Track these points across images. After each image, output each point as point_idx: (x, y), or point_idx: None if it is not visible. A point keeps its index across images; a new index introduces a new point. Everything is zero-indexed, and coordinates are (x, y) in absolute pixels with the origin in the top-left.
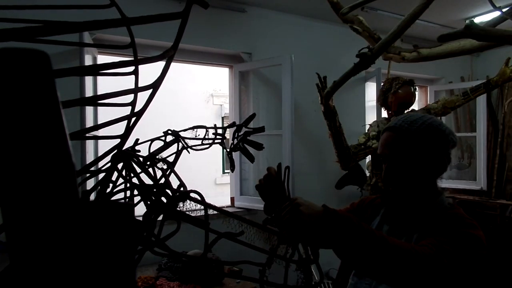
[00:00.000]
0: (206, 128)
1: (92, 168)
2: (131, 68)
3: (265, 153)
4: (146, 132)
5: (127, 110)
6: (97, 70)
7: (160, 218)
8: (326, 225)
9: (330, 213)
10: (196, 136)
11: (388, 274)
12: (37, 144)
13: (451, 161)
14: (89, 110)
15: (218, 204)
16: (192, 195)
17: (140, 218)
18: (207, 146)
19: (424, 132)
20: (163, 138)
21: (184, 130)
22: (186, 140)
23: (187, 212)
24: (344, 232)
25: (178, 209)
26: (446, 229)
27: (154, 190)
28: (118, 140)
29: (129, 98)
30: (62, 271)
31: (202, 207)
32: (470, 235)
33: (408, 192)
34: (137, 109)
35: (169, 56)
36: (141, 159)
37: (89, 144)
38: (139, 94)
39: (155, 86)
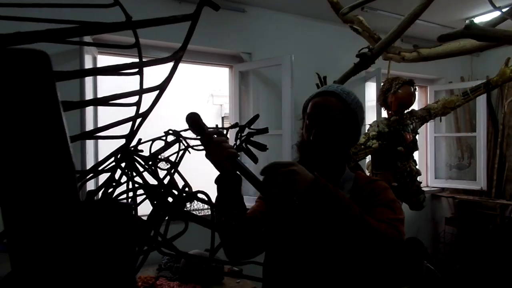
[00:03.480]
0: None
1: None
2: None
3: (265, 153)
4: (146, 132)
5: (131, 111)
6: (102, 72)
7: (166, 218)
8: (316, 193)
9: (321, 184)
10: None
11: (359, 248)
12: (37, 144)
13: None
14: (89, 111)
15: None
16: (199, 195)
17: (145, 218)
18: None
19: (356, 105)
20: (164, 138)
21: (185, 130)
22: (188, 140)
23: (193, 212)
24: (330, 204)
25: (185, 209)
26: (375, 197)
27: (161, 190)
28: (121, 141)
29: (133, 98)
30: (62, 271)
31: (204, 207)
32: (395, 202)
33: (328, 156)
34: (142, 110)
35: (177, 58)
36: (144, 159)
37: (89, 144)
38: (144, 95)
39: (161, 87)
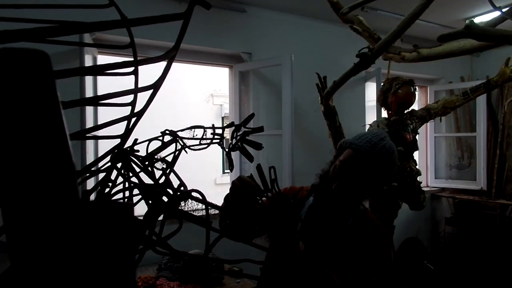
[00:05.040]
0: (204, 128)
1: (93, 169)
2: (131, 68)
3: (265, 153)
4: (146, 132)
5: (127, 110)
6: (97, 70)
7: (161, 217)
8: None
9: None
10: (194, 136)
11: None
12: (37, 144)
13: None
14: (89, 110)
15: (218, 204)
16: (194, 194)
17: (141, 218)
18: (205, 146)
19: (389, 167)
20: (160, 138)
21: (182, 130)
22: (184, 140)
23: (189, 212)
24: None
25: (179, 208)
26: (367, 246)
27: (157, 189)
28: (118, 140)
29: (130, 98)
30: (62, 271)
31: (203, 207)
32: (384, 250)
33: (346, 203)
34: (137, 109)
35: (170, 56)
36: (140, 159)
37: (89, 144)
38: (140, 94)
39: (155, 86)
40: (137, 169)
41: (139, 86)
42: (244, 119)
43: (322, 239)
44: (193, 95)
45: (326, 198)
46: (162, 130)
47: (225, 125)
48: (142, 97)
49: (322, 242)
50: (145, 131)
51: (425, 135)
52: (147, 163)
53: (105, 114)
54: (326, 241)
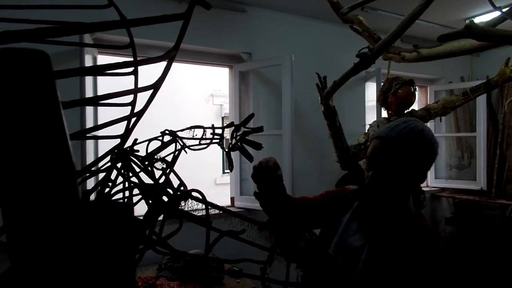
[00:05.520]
0: (204, 128)
1: (93, 169)
2: (131, 68)
3: (265, 153)
4: (146, 132)
5: (127, 110)
6: (97, 70)
7: (161, 217)
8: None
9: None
10: (194, 136)
11: None
12: (37, 144)
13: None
14: (89, 110)
15: (218, 204)
16: (193, 194)
17: (141, 218)
18: (205, 146)
19: (417, 147)
20: (160, 138)
21: (182, 130)
22: (184, 140)
23: (189, 212)
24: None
25: (179, 208)
26: (415, 247)
27: (157, 189)
28: (118, 140)
29: (130, 98)
30: (62, 271)
31: (203, 207)
32: (435, 252)
33: (386, 197)
34: (137, 109)
35: (170, 57)
36: (140, 158)
37: (89, 144)
38: (140, 94)
39: (155, 86)
40: (137, 169)
41: (139, 86)
42: (244, 119)
43: (364, 244)
44: (193, 95)
45: (367, 199)
46: (162, 130)
47: (225, 125)
48: (142, 97)
49: (363, 248)
50: (145, 131)
51: None
52: (147, 163)
53: (105, 114)
54: (367, 247)
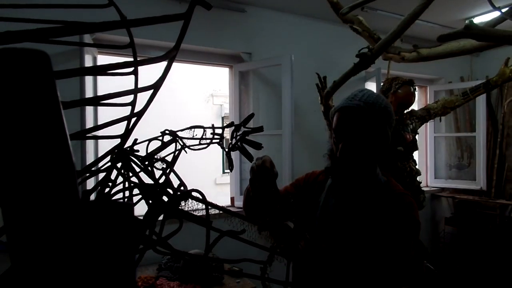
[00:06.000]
0: (204, 128)
1: (93, 169)
2: (131, 68)
3: (265, 153)
4: (146, 132)
5: (127, 110)
6: (97, 70)
7: (161, 217)
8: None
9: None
10: (194, 136)
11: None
12: (37, 144)
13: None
14: (89, 110)
15: (218, 204)
16: (194, 194)
17: (141, 218)
18: (205, 146)
19: (381, 113)
20: (160, 138)
21: (182, 130)
22: (184, 140)
23: (189, 212)
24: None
25: (179, 208)
26: (393, 216)
27: (157, 189)
28: (118, 140)
29: (130, 98)
30: (62, 271)
31: (203, 207)
32: (412, 221)
33: (358, 166)
34: (137, 109)
35: (170, 57)
36: (140, 158)
37: (89, 144)
38: (140, 94)
39: (156, 86)
40: (137, 169)
41: (139, 86)
42: (244, 119)
43: (345, 218)
44: (193, 95)
45: (341, 173)
46: (162, 130)
47: (225, 125)
48: (142, 97)
49: (345, 222)
50: (145, 131)
51: (425, 135)
52: (147, 163)
53: (105, 114)
54: (349, 220)
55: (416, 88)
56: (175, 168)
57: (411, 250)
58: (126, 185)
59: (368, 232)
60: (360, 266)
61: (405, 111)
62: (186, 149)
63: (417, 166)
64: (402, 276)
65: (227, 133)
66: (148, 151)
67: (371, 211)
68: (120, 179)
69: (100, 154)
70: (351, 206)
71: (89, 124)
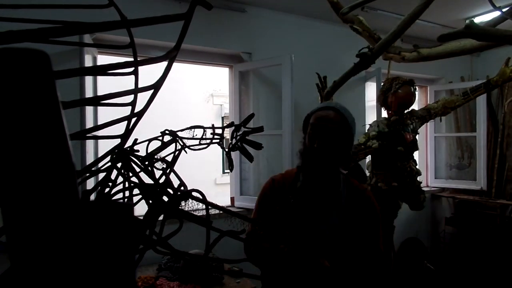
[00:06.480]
0: (204, 128)
1: (93, 169)
2: (131, 68)
3: (265, 153)
4: (146, 132)
5: (127, 110)
6: (97, 70)
7: (161, 217)
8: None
9: None
10: (194, 136)
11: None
12: (37, 144)
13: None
14: (89, 110)
15: (218, 204)
16: (194, 194)
17: (141, 218)
18: (205, 146)
19: (352, 119)
20: (160, 138)
21: (182, 130)
22: (184, 140)
23: (189, 212)
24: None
25: (180, 208)
26: (361, 208)
27: (157, 189)
28: (118, 140)
29: (130, 98)
30: (62, 271)
31: (203, 207)
32: (377, 209)
33: (330, 161)
34: (137, 109)
35: (171, 57)
36: (140, 158)
37: (89, 144)
38: (141, 94)
39: (156, 86)
40: (137, 169)
41: (140, 86)
42: (244, 119)
43: (318, 214)
44: (193, 95)
45: (313, 162)
46: (162, 130)
47: (225, 125)
48: (143, 97)
49: (319, 217)
50: (145, 131)
51: (425, 135)
52: (147, 163)
53: (105, 114)
54: (322, 214)
55: (417, 88)
56: (175, 168)
57: (380, 237)
58: (126, 185)
59: (347, 225)
60: (351, 260)
61: (406, 111)
62: (186, 149)
63: (417, 166)
64: (385, 260)
65: (227, 133)
66: (148, 151)
67: (341, 204)
68: (120, 179)
69: (100, 154)
70: (323, 201)
71: (89, 124)
